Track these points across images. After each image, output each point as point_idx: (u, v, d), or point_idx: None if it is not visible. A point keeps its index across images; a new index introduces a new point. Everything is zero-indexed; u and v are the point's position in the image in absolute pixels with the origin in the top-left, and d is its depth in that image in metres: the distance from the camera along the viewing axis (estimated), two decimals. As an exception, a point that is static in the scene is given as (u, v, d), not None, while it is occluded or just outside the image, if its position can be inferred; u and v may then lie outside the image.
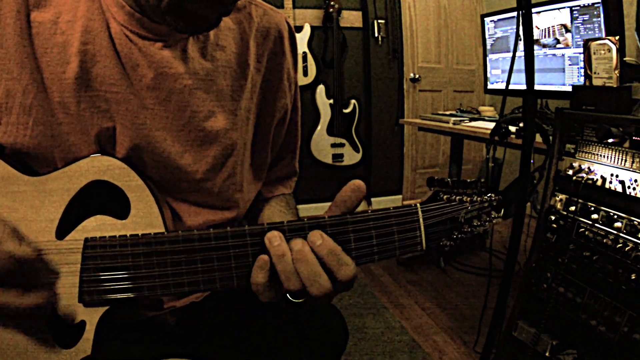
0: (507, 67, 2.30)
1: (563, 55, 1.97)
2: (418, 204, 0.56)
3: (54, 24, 0.58)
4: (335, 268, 0.51)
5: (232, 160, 0.71)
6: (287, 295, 0.56)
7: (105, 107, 0.61)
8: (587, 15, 1.81)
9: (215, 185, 0.70)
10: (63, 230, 0.56)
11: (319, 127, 3.40)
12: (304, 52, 3.30)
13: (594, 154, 1.22)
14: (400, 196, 3.95)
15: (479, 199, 0.58)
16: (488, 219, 0.59)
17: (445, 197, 0.58)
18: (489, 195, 0.59)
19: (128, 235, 0.55)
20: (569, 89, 1.85)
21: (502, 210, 0.60)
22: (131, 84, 0.61)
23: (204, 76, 0.67)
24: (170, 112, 0.64)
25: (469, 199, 0.57)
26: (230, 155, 0.71)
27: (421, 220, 0.55)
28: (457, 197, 0.57)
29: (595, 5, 1.76)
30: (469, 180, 0.59)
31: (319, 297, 0.52)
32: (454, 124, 2.28)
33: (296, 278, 0.51)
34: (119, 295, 0.55)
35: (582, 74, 1.85)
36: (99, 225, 0.57)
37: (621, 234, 1.12)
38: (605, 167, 1.18)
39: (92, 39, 0.59)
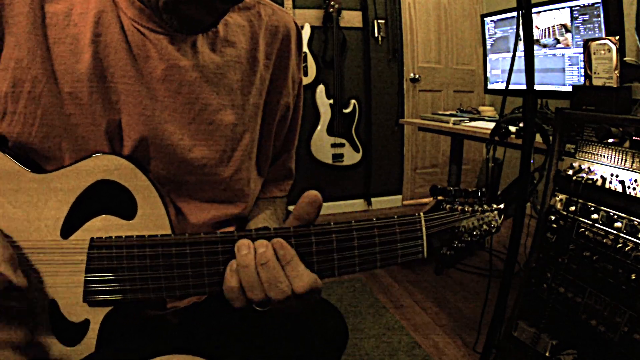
0: (507, 67, 2.31)
1: (563, 55, 1.97)
2: (422, 214, 0.58)
3: (67, 15, 0.59)
4: (291, 278, 0.53)
5: (239, 154, 0.72)
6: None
7: (115, 98, 0.61)
8: (587, 15, 1.81)
9: (222, 179, 0.71)
10: (68, 229, 0.57)
11: (319, 127, 3.40)
12: (304, 52, 3.30)
13: (594, 154, 1.22)
14: (400, 196, 3.96)
15: (480, 208, 0.59)
16: (488, 228, 0.60)
17: (447, 206, 0.59)
18: (490, 204, 0.60)
19: (134, 236, 0.55)
20: (569, 89, 1.85)
21: (502, 219, 0.61)
22: (141, 75, 0.62)
23: (214, 70, 0.67)
24: (180, 104, 0.65)
25: (470, 208, 0.59)
26: (237, 149, 0.72)
27: (424, 229, 0.57)
28: (459, 207, 0.59)
29: (595, 5, 1.76)
30: (470, 190, 0.60)
31: (279, 302, 0.54)
32: (454, 124, 2.28)
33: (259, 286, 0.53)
34: (123, 296, 0.55)
35: (582, 74, 1.86)
36: (104, 225, 0.57)
37: (621, 234, 1.12)
38: (605, 167, 1.18)
39: (105, 30, 0.60)
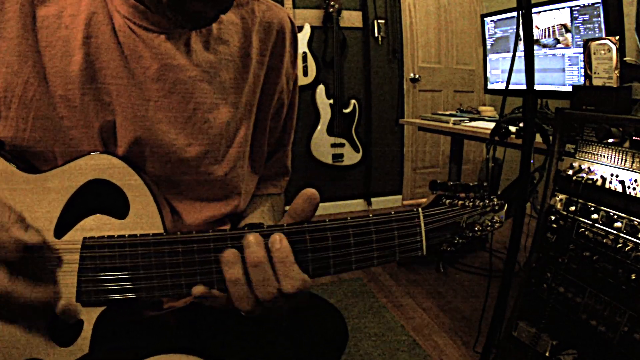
0: (507, 67, 2.30)
1: (563, 55, 1.97)
2: (420, 209, 0.56)
3: (58, 18, 0.59)
4: (281, 278, 0.52)
5: (234, 152, 0.72)
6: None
7: (108, 99, 0.61)
8: (587, 15, 1.80)
9: (217, 178, 0.70)
10: (61, 229, 0.56)
11: (319, 127, 3.40)
12: (304, 52, 3.30)
13: (594, 154, 1.21)
14: (400, 196, 3.95)
15: (481, 203, 0.58)
16: (490, 223, 0.58)
17: (447, 201, 0.57)
18: (491, 199, 0.59)
19: (126, 235, 0.55)
20: (569, 89, 1.85)
21: (505, 214, 0.59)
22: (134, 76, 0.62)
23: (208, 68, 0.67)
24: (175, 103, 0.64)
25: (471, 203, 0.57)
26: (232, 147, 0.71)
27: (422, 225, 0.55)
28: (459, 202, 0.57)
29: (595, 5, 1.76)
30: (471, 184, 0.58)
31: (266, 302, 0.53)
32: (454, 124, 2.28)
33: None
34: (116, 296, 0.55)
35: (582, 74, 1.85)
36: (97, 225, 0.57)
37: (621, 234, 1.12)
38: (605, 167, 1.18)
39: (96, 32, 0.60)
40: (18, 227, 0.51)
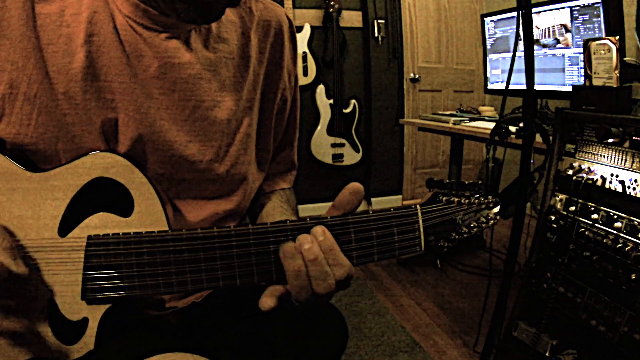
0: (507, 67, 2.31)
1: (563, 55, 1.97)
2: (418, 206, 0.58)
3: (60, 16, 0.59)
4: (331, 266, 0.53)
5: (234, 149, 0.72)
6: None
7: (110, 97, 0.62)
8: (587, 15, 1.81)
9: (218, 175, 0.71)
10: (66, 227, 0.57)
11: (319, 127, 3.40)
12: (304, 52, 3.30)
13: (594, 154, 1.22)
14: (400, 196, 3.96)
15: (476, 201, 0.59)
16: (485, 220, 0.60)
17: (444, 198, 0.59)
18: (486, 197, 0.60)
19: (132, 233, 0.55)
20: (569, 89, 1.85)
21: (499, 212, 0.61)
22: (135, 74, 0.62)
23: (207, 66, 0.68)
24: (175, 101, 0.65)
25: (467, 200, 0.59)
26: (232, 145, 0.72)
27: (420, 221, 0.57)
28: (456, 199, 0.59)
29: (595, 5, 1.76)
30: (467, 182, 0.60)
31: (322, 296, 0.54)
32: (454, 124, 2.28)
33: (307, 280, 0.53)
34: (121, 293, 0.55)
35: (582, 74, 1.85)
36: (102, 223, 0.57)
37: (621, 234, 1.12)
38: (605, 167, 1.18)
39: (98, 30, 0.60)
40: (6, 255, 0.51)
